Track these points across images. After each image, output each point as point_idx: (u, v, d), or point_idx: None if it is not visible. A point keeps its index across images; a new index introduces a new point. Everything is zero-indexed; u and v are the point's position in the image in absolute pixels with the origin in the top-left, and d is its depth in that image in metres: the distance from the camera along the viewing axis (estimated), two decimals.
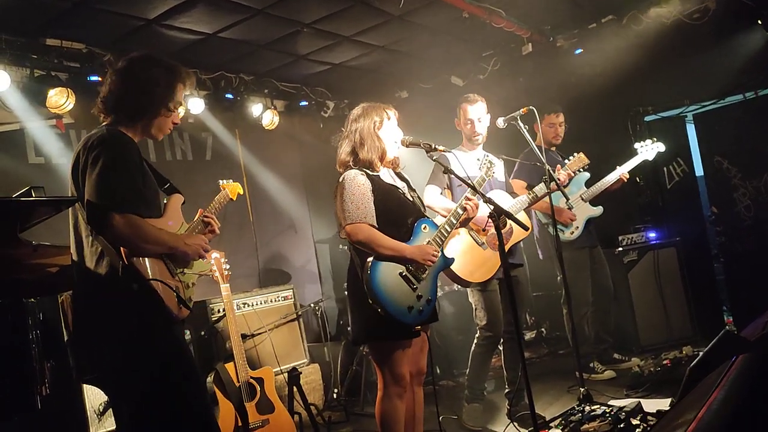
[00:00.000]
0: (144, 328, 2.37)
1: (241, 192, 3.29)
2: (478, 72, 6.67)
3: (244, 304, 5.09)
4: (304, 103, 6.88)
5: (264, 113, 6.34)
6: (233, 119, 6.27)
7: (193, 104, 5.64)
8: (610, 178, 5.02)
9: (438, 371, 5.68)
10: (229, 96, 6.08)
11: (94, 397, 4.11)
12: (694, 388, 2.40)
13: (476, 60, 6.63)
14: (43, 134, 5.02)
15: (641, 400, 3.90)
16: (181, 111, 5.46)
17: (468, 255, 3.97)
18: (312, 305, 5.72)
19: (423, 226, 3.27)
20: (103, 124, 2.56)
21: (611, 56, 5.92)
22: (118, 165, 2.35)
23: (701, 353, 2.82)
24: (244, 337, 4.89)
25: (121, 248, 2.32)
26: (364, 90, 7.19)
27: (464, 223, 3.47)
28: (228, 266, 4.21)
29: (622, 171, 5.01)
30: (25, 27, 4.60)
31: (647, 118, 6.27)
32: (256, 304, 5.17)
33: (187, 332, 4.67)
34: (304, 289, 6.93)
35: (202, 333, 4.60)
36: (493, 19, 5.46)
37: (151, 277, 2.36)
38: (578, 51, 6.21)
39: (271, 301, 5.29)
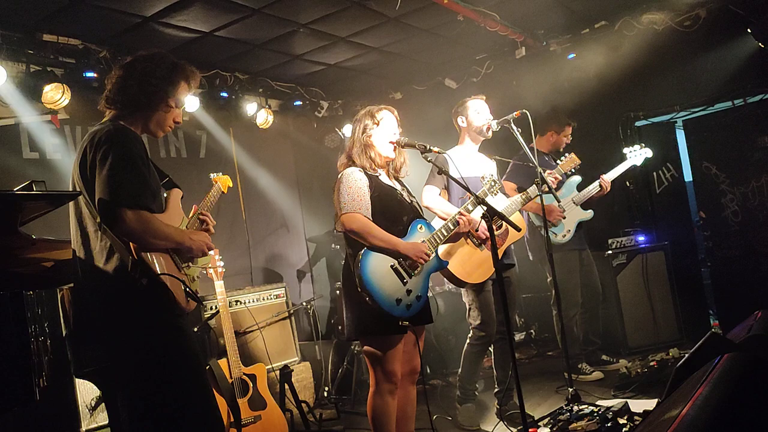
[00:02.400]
0: (154, 321, 2.42)
1: (231, 185, 3.33)
2: (472, 75, 6.74)
3: (237, 301, 5.12)
4: (298, 102, 6.90)
5: (258, 112, 6.35)
6: (227, 118, 6.29)
7: (188, 102, 5.64)
8: (593, 187, 5.10)
9: (429, 371, 5.73)
10: (224, 94, 6.09)
11: (86, 391, 4.12)
12: (679, 386, 2.46)
13: (470, 63, 6.69)
14: (38, 129, 5.01)
15: (628, 400, 3.97)
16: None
17: (466, 256, 4.02)
18: (304, 303, 5.75)
19: (419, 225, 3.35)
20: (106, 119, 2.59)
21: (603, 61, 6.02)
22: (127, 161, 2.39)
23: (688, 354, 2.89)
24: (236, 334, 4.92)
25: (131, 243, 2.36)
26: (359, 91, 7.25)
27: (455, 238, 3.52)
28: (222, 263, 4.24)
29: (604, 178, 5.08)
30: (21, 22, 4.61)
31: (638, 123, 6.34)
32: (249, 302, 5.20)
33: None
34: (296, 288, 6.97)
35: (195, 329, 4.62)
36: (487, 22, 5.51)
37: (160, 271, 2.39)
38: (571, 56, 6.29)
39: (264, 299, 5.33)
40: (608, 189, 5.09)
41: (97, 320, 2.42)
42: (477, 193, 3.56)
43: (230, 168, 6.56)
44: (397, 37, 5.89)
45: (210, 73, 6.02)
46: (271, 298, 5.39)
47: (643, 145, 5.30)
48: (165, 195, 2.66)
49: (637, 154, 5.25)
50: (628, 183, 6.23)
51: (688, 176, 6.25)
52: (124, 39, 5.03)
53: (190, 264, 2.61)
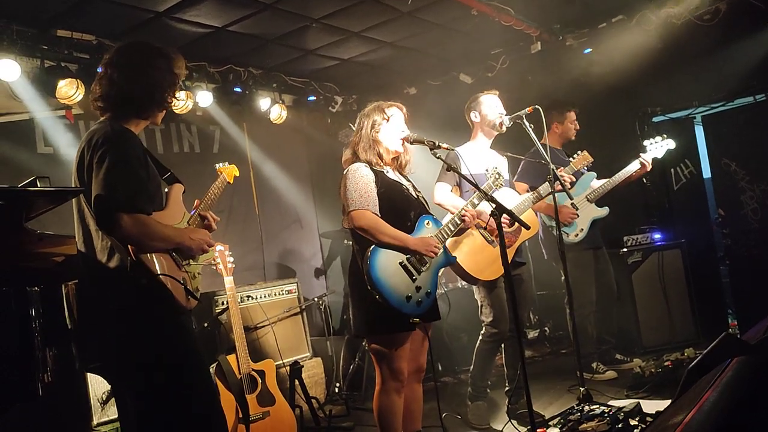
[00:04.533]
0: (153, 320, 2.42)
1: (237, 174, 3.32)
2: (487, 70, 6.66)
3: (248, 296, 5.12)
4: (312, 97, 6.88)
5: (272, 107, 6.35)
6: (241, 113, 6.28)
7: (202, 97, 5.66)
8: (630, 168, 4.95)
9: (440, 368, 5.70)
10: (238, 89, 6.09)
11: (97, 385, 4.16)
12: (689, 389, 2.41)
13: (485, 58, 6.61)
14: (52, 124, 5.07)
15: (641, 401, 3.90)
16: (189, 104, 5.53)
17: (478, 253, 3.98)
18: (315, 299, 5.73)
19: (426, 221, 3.34)
20: (104, 117, 2.58)
21: (620, 56, 5.89)
22: (124, 164, 2.39)
23: (700, 355, 2.83)
24: (247, 329, 4.92)
25: (129, 245, 2.36)
26: (373, 86, 7.21)
27: (461, 232, 3.49)
28: (232, 259, 4.24)
29: (644, 157, 4.93)
30: (36, 18, 4.64)
31: (655, 119, 6.23)
32: (260, 297, 5.20)
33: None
34: (309, 283, 6.98)
35: (205, 324, 4.63)
36: (501, 17, 5.45)
37: (159, 272, 2.40)
38: (587, 50, 6.18)
39: (275, 295, 5.32)
40: (649, 167, 4.95)
41: (99, 318, 2.43)
42: (482, 187, 3.56)
43: (244, 163, 6.57)
44: (410, 32, 5.85)
45: (224, 68, 6.02)
46: (283, 294, 5.38)
47: (665, 136, 5.16)
48: (166, 191, 2.66)
49: (658, 146, 5.11)
50: (644, 179, 6.13)
51: (706, 173, 6.14)
52: (138, 34, 5.03)
53: (191, 261, 2.60)
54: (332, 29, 5.55)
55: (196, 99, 5.62)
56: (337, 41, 5.88)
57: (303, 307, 5.46)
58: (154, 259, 2.42)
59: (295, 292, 5.48)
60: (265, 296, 5.24)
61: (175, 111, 5.49)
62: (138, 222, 2.34)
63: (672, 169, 6.19)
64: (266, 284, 5.38)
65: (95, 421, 4.16)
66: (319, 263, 7.29)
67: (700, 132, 6.16)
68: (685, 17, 5.56)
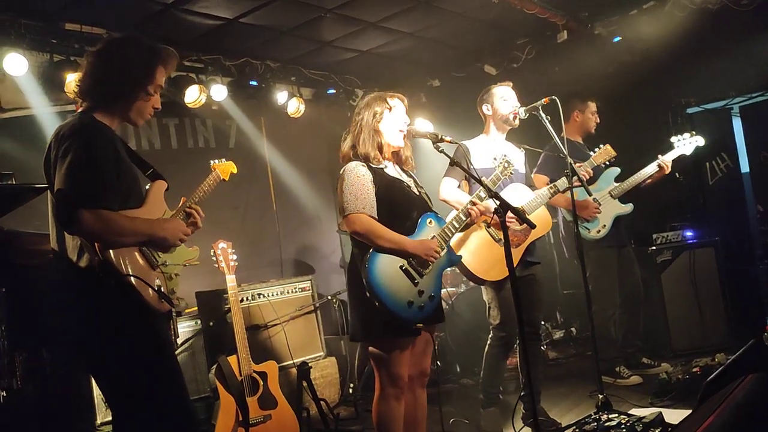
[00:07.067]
0: (122, 322, 2.30)
1: (235, 171, 3.18)
2: (512, 60, 6.41)
3: (260, 294, 4.99)
4: (331, 91, 6.73)
5: (289, 101, 6.21)
6: (257, 107, 6.18)
7: (216, 91, 5.56)
8: (648, 170, 4.75)
9: (458, 369, 5.52)
10: (254, 83, 5.97)
11: None
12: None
13: (510, 48, 6.38)
14: (62, 119, 4.98)
15: (665, 410, 3.66)
16: (203, 98, 5.42)
17: (485, 252, 3.79)
18: (329, 297, 5.58)
19: (428, 220, 3.17)
20: (79, 110, 2.48)
21: (652, 44, 5.63)
22: (88, 158, 2.26)
23: (722, 366, 2.60)
24: (257, 328, 4.81)
25: (96, 243, 2.24)
26: (395, 78, 7.02)
27: (467, 227, 3.30)
28: (235, 257, 4.11)
29: (663, 160, 4.72)
30: (44, 11, 4.60)
31: (689, 110, 5.94)
32: (273, 295, 5.07)
33: (198, 321, 4.62)
34: (328, 281, 6.83)
35: (210, 324, 4.52)
36: (524, 4, 5.22)
37: (128, 272, 2.27)
38: (617, 39, 5.91)
39: (288, 293, 5.18)
40: (668, 170, 4.74)
41: (70, 320, 2.33)
42: (490, 177, 3.39)
43: (260, 158, 6.48)
44: (429, 22, 5.66)
45: (239, 61, 5.90)
46: (296, 292, 5.24)
47: (694, 132, 4.90)
48: (147, 187, 2.55)
49: (686, 143, 4.85)
50: (677, 174, 5.83)
51: (744, 167, 5.84)
52: (148, 27, 4.95)
53: (167, 262, 2.46)
54: (347, 19, 5.39)
55: (210, 93, 5.52)
56: (354, 32, 5.72)
57: (317, 305, 5.31)
58: (125, 258, 2.30)
59: (309, 290, 5.33)
60: (277, 294, 5.10)
61: (189, 105, 5.41)
62: (100, 218, 2.21)
63: (707, 163, 5.90)
64: (279, 282, 5.24)
65: (99, 421, 4.11)
66: (339, 260, 7.14)
67: (737, 124, 5.86)
68: (721, 2, 5.25)
